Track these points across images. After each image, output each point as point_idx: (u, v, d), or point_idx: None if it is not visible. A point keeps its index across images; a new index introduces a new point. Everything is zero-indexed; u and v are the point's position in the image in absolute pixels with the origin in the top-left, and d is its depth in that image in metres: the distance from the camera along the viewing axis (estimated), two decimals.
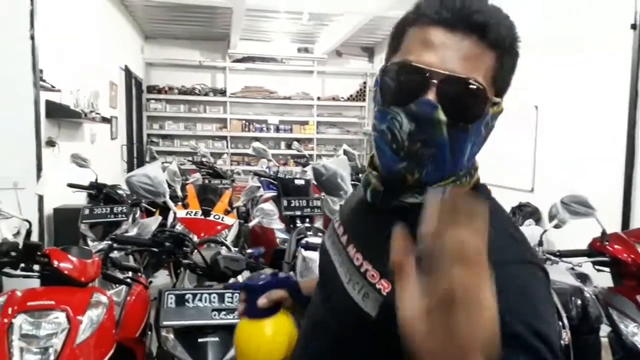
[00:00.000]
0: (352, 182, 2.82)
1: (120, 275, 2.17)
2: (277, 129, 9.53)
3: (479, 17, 0.69)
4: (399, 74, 0.71)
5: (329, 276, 0.85)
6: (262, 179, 4.94)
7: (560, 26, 4.48)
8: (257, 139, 9.17)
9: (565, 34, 4.38)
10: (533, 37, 4.79)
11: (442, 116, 0.68)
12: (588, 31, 4.12)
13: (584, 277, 2.83)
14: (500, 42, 0.71)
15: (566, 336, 2.13)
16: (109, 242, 2.12)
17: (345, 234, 0.85)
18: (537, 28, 4.76)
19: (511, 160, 5.17)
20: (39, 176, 3.42)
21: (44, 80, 3.80)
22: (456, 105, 0.69)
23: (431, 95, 0.68)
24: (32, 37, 3.41)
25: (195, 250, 2.05)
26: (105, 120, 5.44)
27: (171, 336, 1.81)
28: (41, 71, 3.68)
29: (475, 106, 0.71)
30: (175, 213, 2.49)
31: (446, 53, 0.69)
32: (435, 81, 0.68)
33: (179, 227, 3.37)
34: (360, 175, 4.51)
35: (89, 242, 3.23)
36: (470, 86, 0.69)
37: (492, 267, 0.43)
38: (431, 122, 0.69)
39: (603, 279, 2.65)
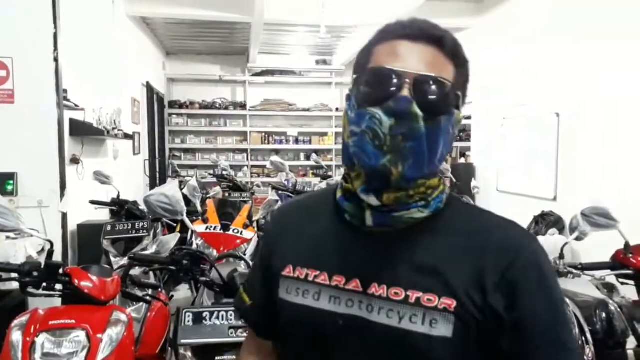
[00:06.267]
0: None
1: (140, 293, 2.20)
2: (297, 141, 9.58)
3: (436, 32, 0.79)
4: (374, 78, 0.78)
5: (339, 331, 0.80)
6: (280, 192, 4.97)
7: (581, 30, 4.42)
8: (276, 151, 9.25)
9: (587, 38, 4.32)
10: (550, 44, 4.75)
11: (417, 110, 0.74)
12: (612, 35, 4.05)
13: (610, 288, 2.76)
14: (456, 54, 0.80)
15: (590, 351, 2.08)
16: (128, 261, 2.16)
17: (342, 276, 0.81)
18: (558, 33, 4.71)
19: (532, 169, 5.11)
20: (62, 194, 3.49)
21: (68, 100, 3.89)
22: (428, 100, 0.75)
23: (406, 93, 0.75)
24: (56, 59, 3.50)
25: (213, 268, 2.07)
26: (127, 136, 5.54)
27: (189, 354, 1.83)
28: (65, 91, 3.78)
29: (445, 99, 0.77)
30: (193, 230, 2.52)
31: (413, 59, 0.77)
32: (408, 80, 0.75)
33: (198, 242, 3.41)
34: None
35: (112, 258, 3.29)
36: (439, 82, 0.76)
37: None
38: (409, 116, 0.74)
39: (629, 292, 2.58)
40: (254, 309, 0.97)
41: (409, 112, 0.74)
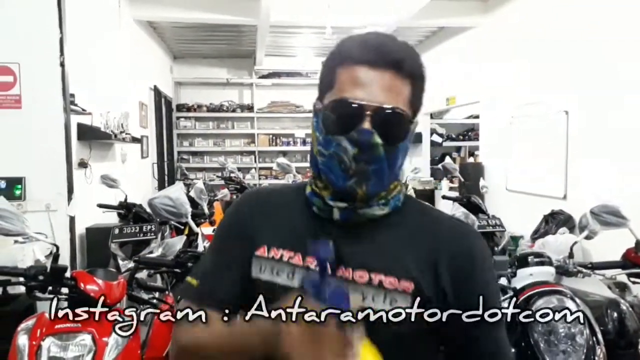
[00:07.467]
0: None
1: (146, 296, 2.20)
2: (304, 142, 9.58)
3: (395, 56, 0.86)
4: (338, 109, 0.86)
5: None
6: None
7: (589, 28, 4.37)
8: (284, 153, 9.25)
9: (595, 35, 4.27)
10: (560, 41, 4.71)
11: (378, 139, 0.84)
12: (621, 31, 4.01)
13: (622, 287, 2.72)
14: (412, 73, 0.88)
15: (601, 352, 2.04)
16: (134, 264, 2.16)
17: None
18: (565, 30, 4.66)
19: (541, 167, 5.06)
20: (70, 198, 3.51)
21: (75, 104, 3.91)
22: (386, 129, 0.85)
23: (367, 124, 0.84)
24: (62, 64, 3.51)
25: None
26: (135, 140, 5.56)
27: None
28: (72, 95, 3.79)
29: (401, 128, 0.88)
30: (197, 233, 2.52)
31: (372, 88, 0.85)
32: (368, 112, 0.84)
33: (205, 245, 3.41)
34: None
35: (119, 261, 3.29)
36: (395, 113, 0.85)
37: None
38: (370, 146, 0.84)
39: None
40: (204, 285, 0.96)
41: (369, 142, 0.84)
